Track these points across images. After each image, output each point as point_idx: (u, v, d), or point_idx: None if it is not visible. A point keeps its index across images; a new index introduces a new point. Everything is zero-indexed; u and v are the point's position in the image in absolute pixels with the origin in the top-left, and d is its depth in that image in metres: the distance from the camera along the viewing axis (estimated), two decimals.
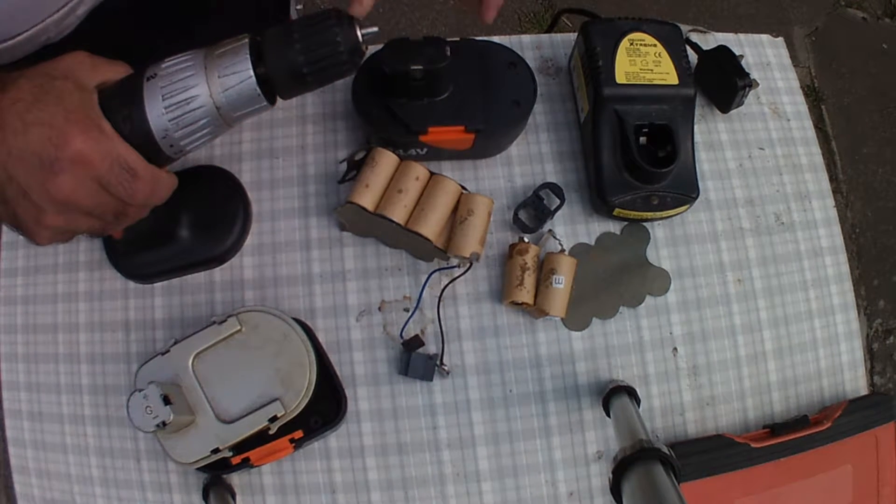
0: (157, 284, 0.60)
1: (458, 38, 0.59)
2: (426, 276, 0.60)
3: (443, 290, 0.59)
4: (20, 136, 0.37)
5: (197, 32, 0.66)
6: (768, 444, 0.57)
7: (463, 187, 0.57)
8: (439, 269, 0.60)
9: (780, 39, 0.71)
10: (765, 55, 0.70)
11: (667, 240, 0.63)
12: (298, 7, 0.85)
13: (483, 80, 0.58)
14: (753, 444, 0.56)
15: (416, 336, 0.58)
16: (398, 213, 0.55)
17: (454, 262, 0.59)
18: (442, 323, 0.59)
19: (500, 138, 0.61)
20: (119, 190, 0.40)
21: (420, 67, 0.53)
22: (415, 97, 0.56)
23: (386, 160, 0.56)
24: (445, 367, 0.58)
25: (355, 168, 0.58)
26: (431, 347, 0.59)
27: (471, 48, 0.59)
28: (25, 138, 0.37)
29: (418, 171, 0.56)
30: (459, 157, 0.62)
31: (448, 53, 0.53)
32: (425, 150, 0.59)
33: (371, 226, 0.58)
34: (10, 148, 0.37)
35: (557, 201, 0.61)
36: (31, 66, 0.41)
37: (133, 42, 0.57)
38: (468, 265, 0.59)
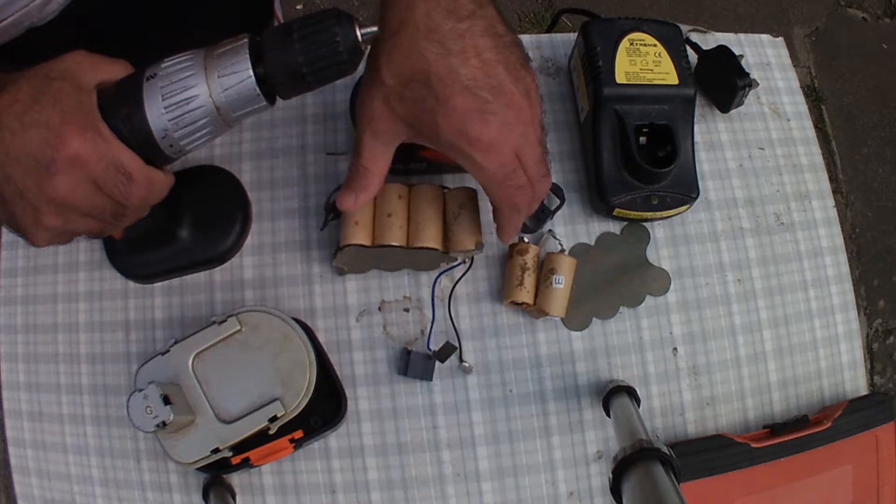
0: (157, 284, 0.60)
1: None
2: (425, 275, 0.60)
3: (454, 287, 0.59)
4: (18, 137, 0.37)
5: (183, 21, 0.66)
6: (768, 444, 0.57)
7: (443, 187, 0.57)
8: (447, 270, 0.59)
9: (780, 39, 0.71)
10: (765, 55, 0.70)
11: (667, 240, 0.63)
12: (298, 7, 0.85)
13: None
14: (753, 444, 0.56)
15: (448, 343, 0.58)
16: (397, 237, 0.54)
17: (458, 260, 0.59)
18: (454, 321, 0.59)
19: None
20: (115, 192, 0.40)
21: None
22: None
23: None
24: (466, 364, 0.58)
25: (332, 211, 0.57)
26: (431, 347, 0.59)
27: None
28: (23, 139, 0.37)
29: (399, 190, 0.56)
30: (460, 171, 0.62)
31: None
32: (424, 164, 0.59)
33: (371, 260, 0.58)
34: (8, 149, 0.37)
35: (557, 201, 0.61)
36: (22, 50, 0.41)
37: (117, 29, 0.57)
38: (471, 259, 0.58)
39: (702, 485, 0.56)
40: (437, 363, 0.58)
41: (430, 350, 0.58)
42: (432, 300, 0.59)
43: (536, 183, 0.47)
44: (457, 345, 0.59)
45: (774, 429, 0.58)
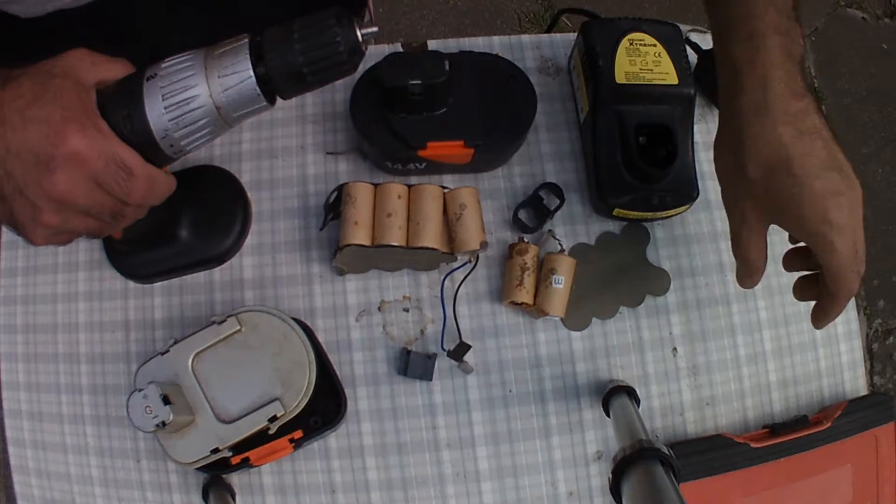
0: (157, 284, 0.60)
1: (457, 52, 0.59)
2: (425, 275, 0.60)
3: (458, 286, 0.59)
4: (19, 132, 0.37)
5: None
6: (768, 444, 0.57)
7: (443, 187, 0.57)
8: (454, 270, 0.59)
9: None
10: None
11: (667, 240, 0.63)
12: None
13: (482, 93, 0.58)
14: (753, 444, 0.56)
15: (462, 342, 0.58)
16: (396, 237, 0.55)
17: (461, 260, 0.59)
18: (458, 321, 0.59)
19: (499, 152, 0.61)
20: (115, 188, 0.40)
21: (419, 82, 0.52)
22: (413, 112, 0.56)
23: (363, 192, 0.56)
24: (466, 363, 0.58)
25: (332, 211, 0.58)
26: (431, 347, 0.59)
27: (470, 61, 0.59)
28: (24, 135, 0.37)
29: (398, 190, 0.56)
30: (459, 171, 0.62)
31: (447, 68, 0.53)
32: (424, 164, 0.59)
33: (371, 260, 0.58)
34: (9, 144, 0.37)
35: (557, 201, 0.61)
36: (46, 39, 0.41)
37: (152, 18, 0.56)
38: (476, 258, 0.59)
39: (702, 485, 0.56)
40: (437, 363, 0.58)
41: (443, 350, 0.58)
42: (442, 300, 0.59)
43: (863, 266, 0.46)
44: (467, 344, 0.58)
45: (774, 429, 0.58)
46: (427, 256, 0.57)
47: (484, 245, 0.56)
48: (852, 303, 0.64)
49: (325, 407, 0.54)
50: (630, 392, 0.55)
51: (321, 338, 0.58)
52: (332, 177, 0.62)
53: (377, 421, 0.58)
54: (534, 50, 0.67)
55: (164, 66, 0.41)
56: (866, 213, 0.45)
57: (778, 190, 0.44)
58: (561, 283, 0.57)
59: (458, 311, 0.59)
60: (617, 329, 0.60)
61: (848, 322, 0.64)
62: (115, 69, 0.42)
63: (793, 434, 0.57)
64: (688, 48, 0.62)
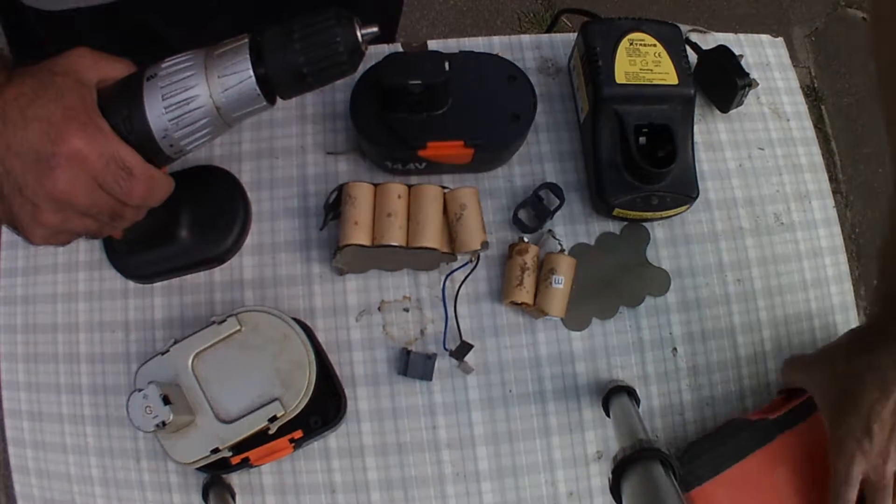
0: (157, 284, 0.60)
1: (457, 52, 0.59)
2: (425, 275, 0.60)
3: (460, 286, 0.59)
4: (20, 130, 0.37)
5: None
6: (786, 410, 0.55)
7: (443, 187, 0.57)
8: (455, 270, 0.59)
9: (780, 39, 0.71)
10: (764, 55, 0.70)
11: (667, 240, 0.63)
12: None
13: (482, 93, 0.58)
14: (771, 417, 0.55)
15: (463, 342, 0.57)
16: (396, 237, 0.55)
17: (461, 260, 0.59)
18: (459, 321, 0.59)
19: (499, 153, 0.61)
20: (115, 188, 0.40)
21: (419, 82, 0.52)
22: (413, 112, 0.56)
23: (363, 192, 0.56)
24: (466, 363, 0.58)
25: (332, 211, 0.58)
26: (431, 347, 0.59)
27: (470, 61, 0.59)
28: (24, 133, 0.37)
29: (398, 190, 0.56)
30: (459, 171, 0.62)
31: (447, 68, 0.53)
32: (424, 164, 0.59)
33: (371, 260, 0.58)
34: (10, 142, 0.37)
35: (557, 201, 0.61)
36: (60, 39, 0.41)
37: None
38: (477, 258, 0.59)
39: (736, 471, 0.53)
40: (437, 363, 0.58)
41: (445, 349, 0.58)
42: (443, 300, 0.59)
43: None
44: (469, 343, 0.58)
45: (790, 393, 0.56)
46: (427, 256, 0.57)
47: (484, 245, 0.56)
48: (851, 299, 0.64)
49: (325, 407, 0.54)
50: (630, 392, 0.55)
51: (321, 338, 0.58)
52: (332, 177, 0.62)
53: (377, 421, 0.58)
54: (534, 50, 0.67)
55: (164, 66, 0.41)
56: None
57: None
58: (561, 283, 0.57)
59: (458, 310, 0.59)
60: (617, 329, 0.60)
61: (848, 322, 0.64)
62: (116, 68, 0.42)
63: (808, 395, 0.55)
64: (688, 48, 0.62)
